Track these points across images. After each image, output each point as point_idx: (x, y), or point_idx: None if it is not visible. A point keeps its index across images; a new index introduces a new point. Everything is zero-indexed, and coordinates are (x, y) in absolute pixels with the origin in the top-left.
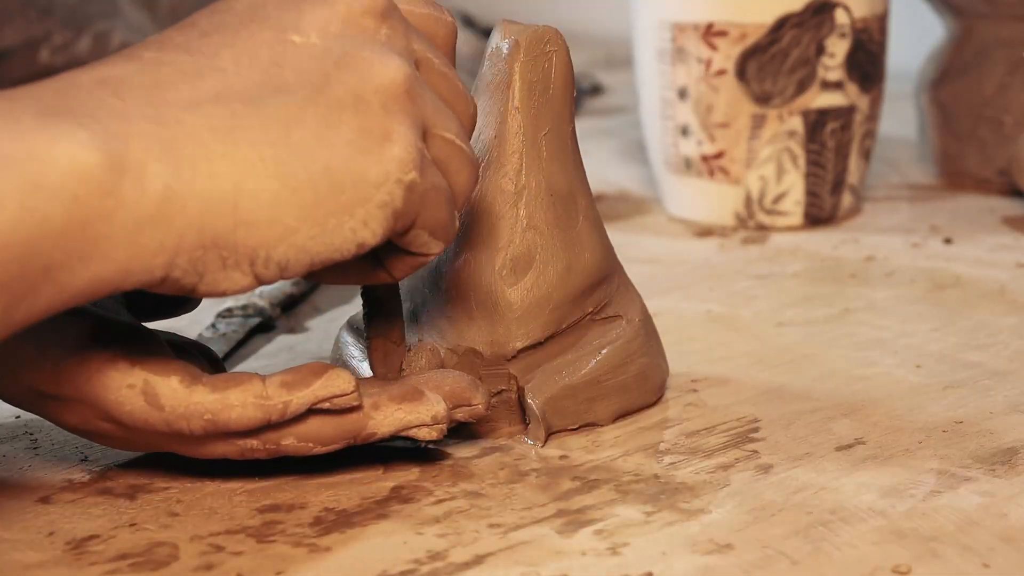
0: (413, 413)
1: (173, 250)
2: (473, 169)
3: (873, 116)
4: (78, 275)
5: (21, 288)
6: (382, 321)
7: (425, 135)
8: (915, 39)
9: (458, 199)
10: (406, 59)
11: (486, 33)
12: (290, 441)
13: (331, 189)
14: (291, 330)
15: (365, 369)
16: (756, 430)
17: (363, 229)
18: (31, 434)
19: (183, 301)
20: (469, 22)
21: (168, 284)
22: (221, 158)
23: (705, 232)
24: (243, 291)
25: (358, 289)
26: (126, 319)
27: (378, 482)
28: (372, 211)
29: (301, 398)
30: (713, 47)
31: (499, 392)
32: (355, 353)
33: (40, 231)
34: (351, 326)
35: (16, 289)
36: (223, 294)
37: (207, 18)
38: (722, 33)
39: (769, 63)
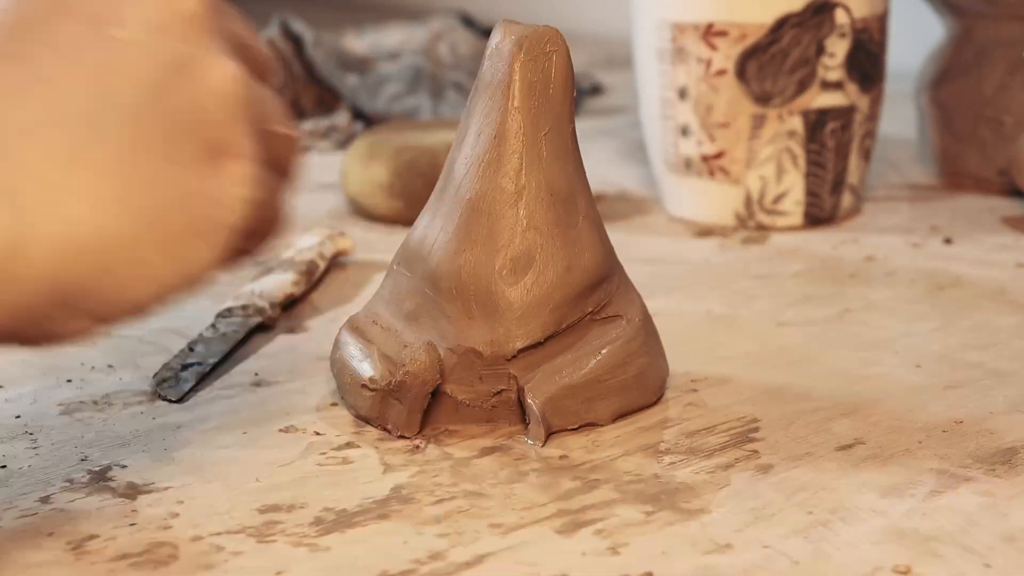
0: None
1: (20, 309)
2: (298, 149)
3: (873, 116)
4: None
5: None
6: None
7: (261, 133)
8: (915, 39)
9: (289, 186)
10: (233, 55)
11: (486, 33)
12: None
13: (184, 215)
14: (291, 330)
15: (366, 369)
16: (756, 430)
17: (212, 252)
18: (31, 434)
19: None
20: (469, 22)
21: (8, 340)
22: (67, 195)
23: (705, 232)
24: (83, 338)
25: (358, 289)
26: None
27: (378, 482)
28: (220, 232)
29: None
30: (713, 47)
31: (499, 392)
32: (355, 353)
33: None
34: (351, 326)
35: None
36: (61, 343)
37: (2, 5)
38: (722, 33)
39: (769, 63)
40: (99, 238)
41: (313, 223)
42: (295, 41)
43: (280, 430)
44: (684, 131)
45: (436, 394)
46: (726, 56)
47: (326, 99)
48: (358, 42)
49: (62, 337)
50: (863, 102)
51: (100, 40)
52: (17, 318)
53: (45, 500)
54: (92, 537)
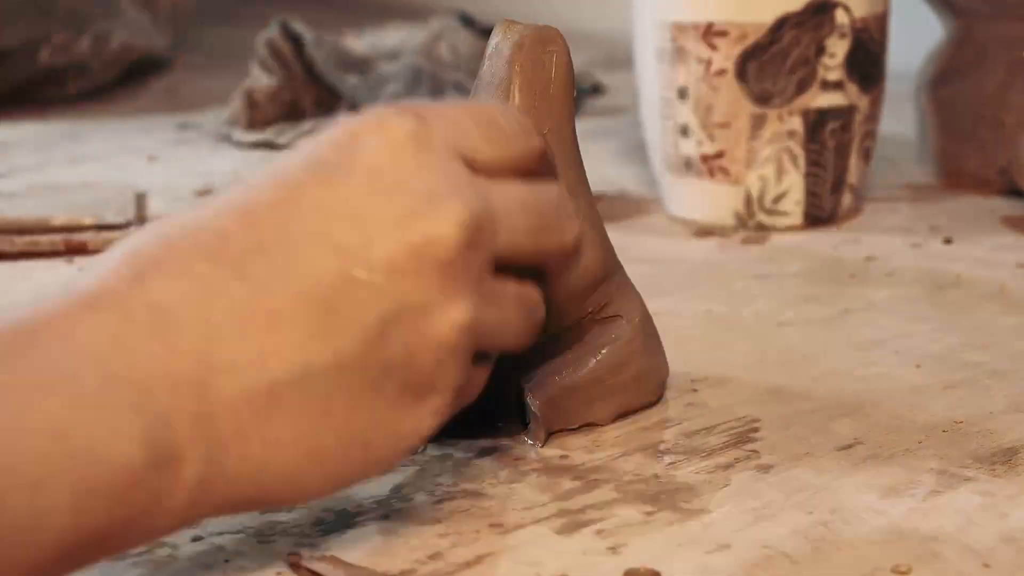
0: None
1: (194, 522)
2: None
3: (873, 116)
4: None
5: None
6: None
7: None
8: (915, 39)
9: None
10: (472, 299)
11: (486, 33)
12: None
13: (361, 449)
14: None
15: None
16: (756, 430)
17: (384, 465)
18: None
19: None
20: (469, 22)
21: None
22: (254, 437)
23: (705, 232)
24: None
25: None
26: None
27: (378, 482)
28: (395, 456)
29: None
30: (713, 47)
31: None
32: None
33: (84, 535)
34: None
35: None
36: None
37: (270, 213)
38: (722, 33)
39: (769, 63)
40: (269, 472)
41: None
42: (295, 41)
43: None
44: (684, 131)
45: None
46: (726, 56)
47: (326, 99)
48: (358, 42)
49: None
50: (863, 102)
51: (340, 278)
52: (192, 523)
53: None
54: None
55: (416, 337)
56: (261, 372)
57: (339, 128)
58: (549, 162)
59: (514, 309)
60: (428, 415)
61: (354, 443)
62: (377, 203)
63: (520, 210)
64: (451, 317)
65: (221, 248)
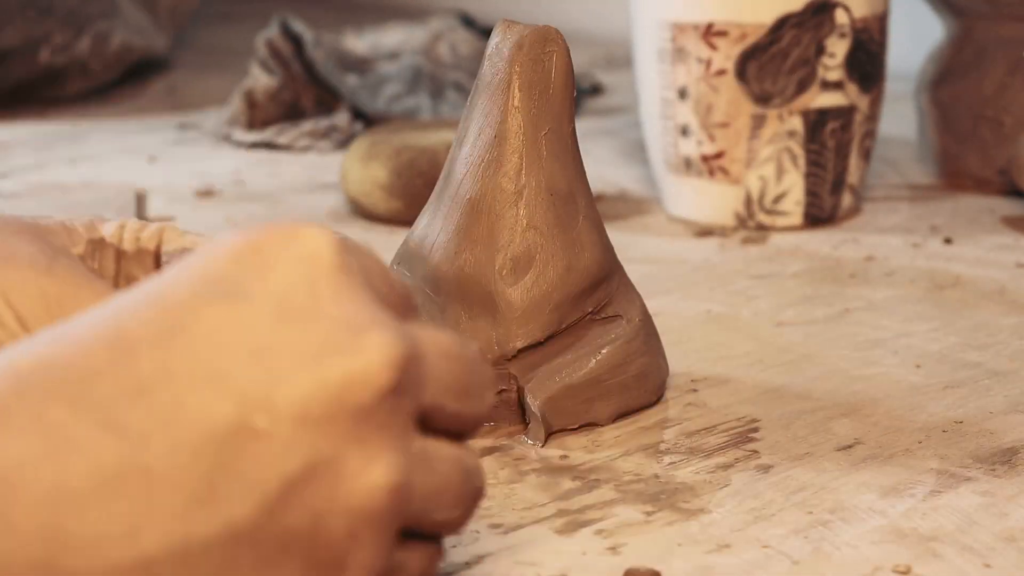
0: None
1: None
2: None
3: (873, 116)
4: None
5: None
6: None
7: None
8: (915, 39)
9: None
10: (399, 456)
11: (486, 33)
12: None
13: None
14: None
15: None
16: (756, 430)
17: None
18: None
19: None
20: (469, 22)
21: None
22: None
23: (705, 232)
24: None
25: None
26: None
27: None
28: None
29: None
30: (713, 47)
31: (499, 392)
32: None
33: None
34: None
35: None
36: None
37: (150, 346)
38: (722, 33)
39: (769, 63)
40: None
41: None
42: (295, 41)
43: None
44: (684, 131)
45: None
46: (726, 56)
47: (326, 99)
48: (358, 42)
49: None
50: (863, 102)
51: (234, 430)
52: None
53: None
54: None
55: (325, 502)
56: (129, 548)
57: (238, 239)
58: None
59: (450, 474)
60: None
61: None
62: (286, 334)
63: (447, 362)
64: (371, 478)
65: (85, 390)
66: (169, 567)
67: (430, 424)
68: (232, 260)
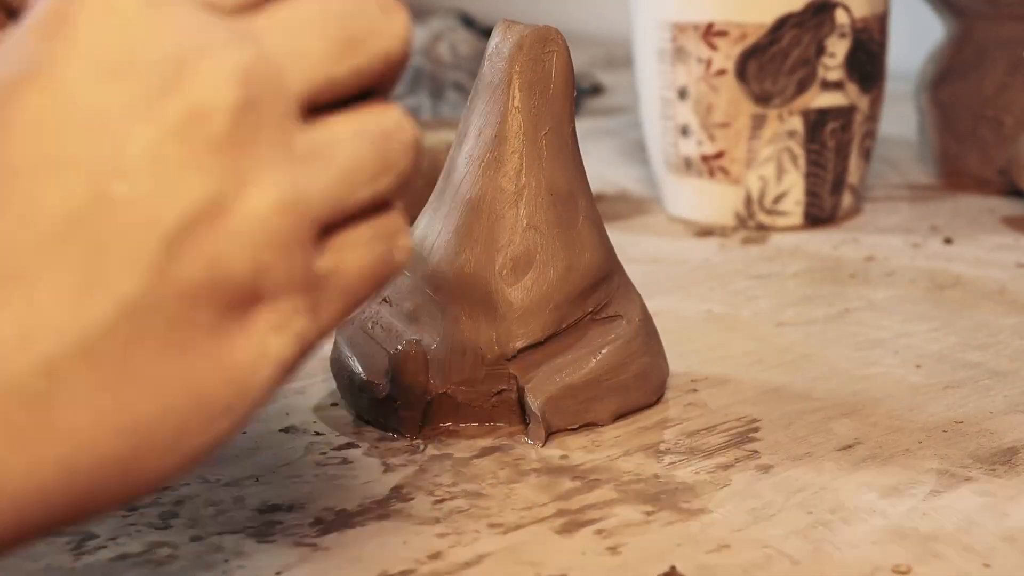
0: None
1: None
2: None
3: (873, 116)
4: None
5: None
6: None
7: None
8: (915, 39)
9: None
10: (279, 167)
11: (486, 33)
12: None
13: (194, 404)
14: None
15: (365, 370)
16: (756, 430)
17: (236, 423)
18: None
19: None
20: (469, 22)
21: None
22: (36, 438)
23: (705, 232)
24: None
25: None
26: None
27: (378, 482)
28: (246, 398)
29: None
30: (713, 47)
31: (499, 392)
32: (354, 354)
33: None
34: (351, 326)
35: None
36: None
37: None
38: (722, 33)
39: (769, 63)
40: (104, 470)
41: None
42: None
43: (280, 430)
44: (684, 131)
45: (436, 394)
46: (726, 56)
47: None
48: None
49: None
50: (863, 102)
51: (94, 203)
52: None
53: None
54: (92, 537)
55: (216, 243)
56: (24, 356)
57: (36, 13)
58: None
59: (358, 149)
60: (269, 332)
61: (181, 399)
62: (112, 90)
63: (311, 32)
64: (253, 203)
65: None
66: (74, 363)
67: (331, 98)
68: (37, 36)
